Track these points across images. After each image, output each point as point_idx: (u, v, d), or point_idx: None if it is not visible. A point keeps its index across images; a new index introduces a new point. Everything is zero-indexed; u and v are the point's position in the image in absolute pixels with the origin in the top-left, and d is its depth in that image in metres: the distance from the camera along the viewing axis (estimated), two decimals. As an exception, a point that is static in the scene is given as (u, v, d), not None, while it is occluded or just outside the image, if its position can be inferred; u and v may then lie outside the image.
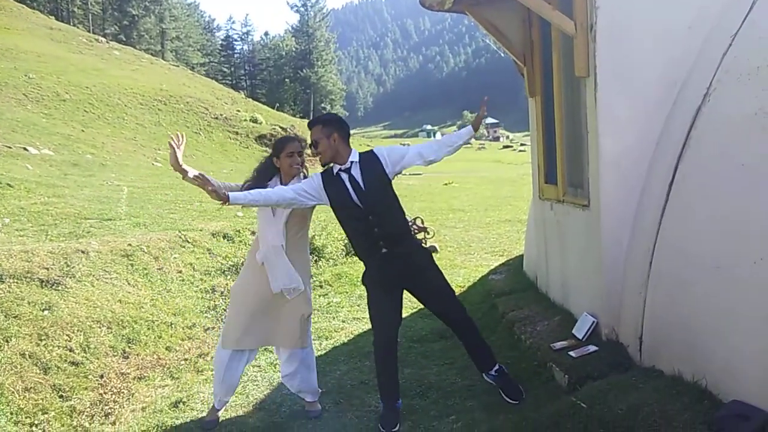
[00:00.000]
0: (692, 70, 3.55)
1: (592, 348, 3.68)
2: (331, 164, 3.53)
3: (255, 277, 3.72)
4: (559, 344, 3.86)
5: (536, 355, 3.98)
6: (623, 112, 3.60)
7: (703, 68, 3.44)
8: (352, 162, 3.51)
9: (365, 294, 6.68)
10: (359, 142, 60.47)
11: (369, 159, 3.54)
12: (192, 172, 3.39)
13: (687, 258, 3.12)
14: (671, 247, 3.25)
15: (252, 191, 3.40)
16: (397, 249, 3.57)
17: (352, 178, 3.48)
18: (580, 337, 3.84)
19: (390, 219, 3.58)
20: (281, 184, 3.66)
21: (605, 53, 3.56)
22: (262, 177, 3.69)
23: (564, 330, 4.10)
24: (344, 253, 8.65)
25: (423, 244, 3.65)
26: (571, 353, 3.69)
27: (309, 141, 3.60)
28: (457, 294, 6.31)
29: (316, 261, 8.12)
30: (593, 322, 3.83)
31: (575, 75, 3.78)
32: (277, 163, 3.70)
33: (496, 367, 3.71)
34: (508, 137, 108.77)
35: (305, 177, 3.74)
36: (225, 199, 3.21)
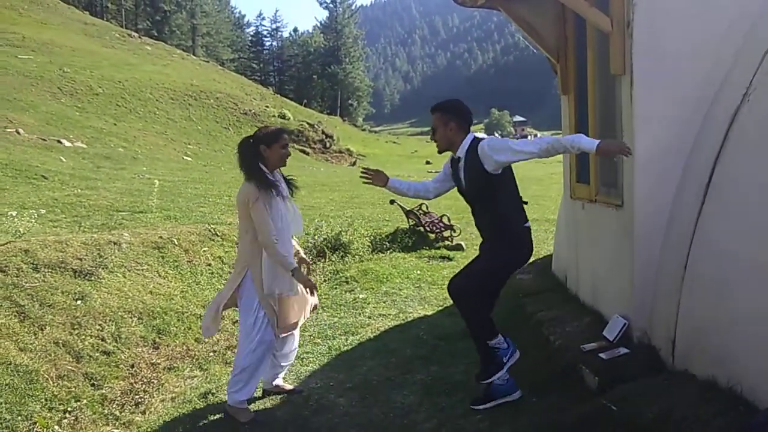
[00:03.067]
0: (732, 69, 3.46)
1: (623, 350, 3.62)
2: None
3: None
4: (589, 346, 3.81)
5: (565, 356, 3.93)
6: (659, 111, 3.54)
7: (744, 67, 3.36)
8: (459, 156, 3.53)
9: (391, 290, 6.75)
10: (385, 138, 60.60)
11: (473, 153, 3.46)
12: None
13: (724, 260, 3.05)
14: (708, 249, 3.18)
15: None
16: (485, 241, 3.67)
17: (460, 170, 3.54)
18: (611, 339, 3.79)
19: (482, 214, 3.63)
20: (268, 172, 3.67)
21: (642, 51, 3.50)
22: (255, 165, 3.65)
23: (594, 331, 4.04)
24: (370, 249, 8.67)
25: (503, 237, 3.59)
26: (602, 355, 3.64)
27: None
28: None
29: (342, 257, 8.15)
30: (625, 324, 3.77)
31: (610, 72, 3.73)
32: (265, 151, 3.67)
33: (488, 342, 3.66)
34: (535, 135, 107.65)
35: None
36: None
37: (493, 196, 3.49)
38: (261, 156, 3.66)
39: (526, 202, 3.66)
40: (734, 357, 2.85)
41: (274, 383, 4.15)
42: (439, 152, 3.65)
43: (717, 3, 3.48)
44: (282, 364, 4.11)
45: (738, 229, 2.99)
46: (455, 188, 3.75)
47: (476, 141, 3.47)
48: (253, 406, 3.98)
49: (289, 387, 4.19)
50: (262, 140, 3.69)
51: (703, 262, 3.20)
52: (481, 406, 3.62)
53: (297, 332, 4.06)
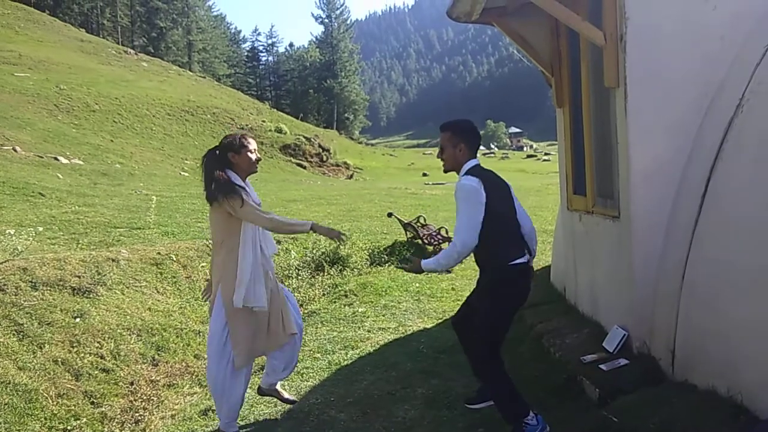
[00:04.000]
0: (725, 81, 3.50)
1: (623, 361, 3.63)
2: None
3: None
4: (589, 357, 3.82)
5: (566, 367, 3.93)
6: (654, 123, 3.57)
7: (736, 79, 3.40)
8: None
9: (390, 303, 6.75)
10: (382, 151, 60.74)
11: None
12: None
13: (722, 270, 3.06)
14: (705, 259, 3.20)
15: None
16: (480, 276, 3.57)
17: None
18: (611, 350, 3.79)
19: (476, 248, 3.43)
20: (238, 178, 3.60)
21: (635, 64, 3.54)
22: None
23: (594, 343, 4.05)
24: (369, 262, 8.67)
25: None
26: (602, 366, 3.64)
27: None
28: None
29: (341, 271, 8.15)
30: (624, 335, 3.78)
31: (605, 85, 3.76)
32: (234, 158, 3.58)
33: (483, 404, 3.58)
34: (531, 146, 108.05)
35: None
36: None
37: (482, 232, 3.25)
38: (230, 164, 3.58)
39: (531, 253, 3.47)
40: (734, 366, 2.86)
41: (271, 385, 4.04)
42: (445, 172, 3.50)
43: (710, 16, 3.52)
44: (279, 376, 4.01)
45: (735, 238, 3.01)
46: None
47: (471, 170, 3.32)
48: (253, 419, 3.96)
49: (286, 395, 4.08)
50: (229, 148, 3.61)
51: (701, 272, 3.21)
52: None
53: (294, 344, 3.90)
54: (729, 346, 2.92)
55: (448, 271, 8.33)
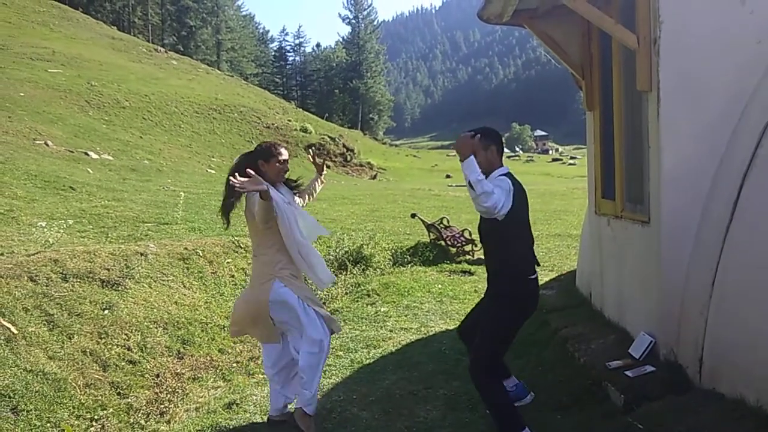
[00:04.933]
0: (759, 86, 3.44)
1: (650, 368, 3.58)
2: None
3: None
4: (614, 363, 3.77)
5: (590, 373, 3.89)
6: (686, 128, 3.52)
7: (772, 83, 3.34)
8: None
9: (413, 304, 6.75)
10: (406, 152, 60.74)
11: None
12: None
13: (753, 278, 3.02)
14: (736, 267, 3.15)
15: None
16: (489, 285, 3.60)
17: None
18: (637, 357, 3.75)
19: (488, 256, 3.57)
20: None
21: (669, 67, 3.49)
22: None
23: (619, 349, 4.00)
24: (392, 263, 8.68)
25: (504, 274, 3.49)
26: (628, 373, 3.60)
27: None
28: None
29: (363, 270, 8.18)
30: (651, 341, 3.73)
31: (637, 89, 3.72)
32: (263, 166, 3.63)
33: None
34: (557, 150, 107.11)
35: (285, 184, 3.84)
36: None
37: (499, 240, 3.40)
38: (259, 171, 3.57)
39: (538, 263, 3.56)
40: (764, 375, 2.81)
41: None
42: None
43: (747, 20, 3.47)
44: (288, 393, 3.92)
45: (765, 247, 2.96)
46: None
47: (505, 174, 3.37)
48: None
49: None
50: (259, 155, 3.67)
51: (731, 279, 3.16)
52: None
53: (290, 350, 3.82)
54: (759, 354, 2.87)
55: (471, 273, 8.30)
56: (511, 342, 3.57)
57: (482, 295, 3.84)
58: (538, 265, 3.56)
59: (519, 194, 3.32)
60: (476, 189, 3.09)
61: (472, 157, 3.18)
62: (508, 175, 3.39)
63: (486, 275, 3.65)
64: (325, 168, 4.24)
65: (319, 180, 4.24)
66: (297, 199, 3.98)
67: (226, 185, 3.57)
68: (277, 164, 3.67)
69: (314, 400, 3.68)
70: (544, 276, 7.86)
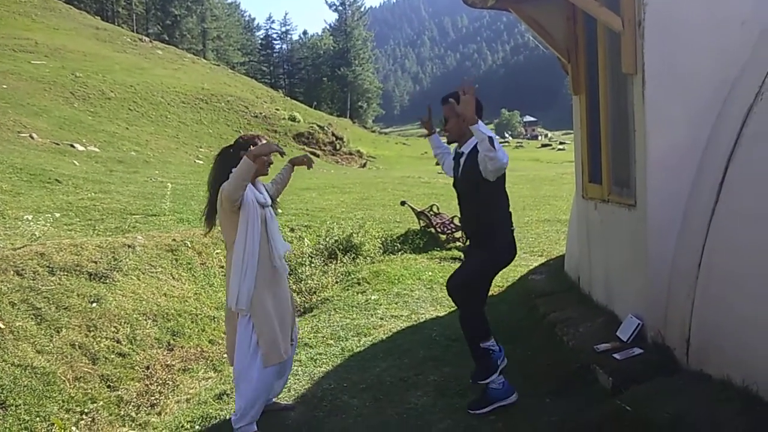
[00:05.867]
0: (745, 68, 3.45)
1: (637, 350, 3.61)
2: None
3: (267, 286, 3.52)
4: (602, 346, 3.80)
5: (579, 356, 3.92)
6: (672, 110, 3.53)
7: (757, 66, 3.34)
8: (464, 151, 3.53)
9: (403, 291, 6.76)
10: (395, 139, 60.62)
11: (475, 153, 3.38)
12: None
13: (738, 259, 3.04)
14: (722, 249, 3.17)
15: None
16: (471, 243, 3.80)
17: (459, 165, 3.57)
18: (625, 340, 3.78)
19: (468, 214, 3.72)
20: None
21: (654, 50, 3.49)
22: (226, 174, 3.42)
23: (608, 332, 4.03)
24: (382, 251, 8.68)
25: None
26: (616, 355, 3.63)
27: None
28: (496, 294, 6.32)
29: (353, 258, 8.18)
30: (638, 324, 3.76)
31: (622, 72, 3.72)
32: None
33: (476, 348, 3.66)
34: (546, 135, 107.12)
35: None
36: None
37: (484, 200, 3.49)
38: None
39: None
40: (749, 356, 2.84)
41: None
42: (449, 143, 3.69)
43: (729, 3, 3.47)
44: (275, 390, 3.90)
45: (752, 228, 2.98)
46: None
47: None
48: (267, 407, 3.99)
49: (283, 404, 3.98)
50: (242, 147, 3.55)
51: (717, 261, 3.18)
52: (479, 411, 3.61)
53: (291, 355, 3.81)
54: (744, 336, 2.90)
55: (461, 260, 8.31)
56: (488, 286, 3.74)
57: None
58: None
59: None
60: (496, 146, 3.14)
61: (480, 123, 3.21)
62: None
63: (467, 234, 3.83)
64: (304, 160, 4.02)
65: (291, 170, 4.07)
66: (273, 188, 3.93)
67: (210, 185, 3.51)
68: (263, 156, 3.55)
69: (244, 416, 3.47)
70: (533, 261, 7.90)
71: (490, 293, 4.41)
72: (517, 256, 3.77)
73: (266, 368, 3.44)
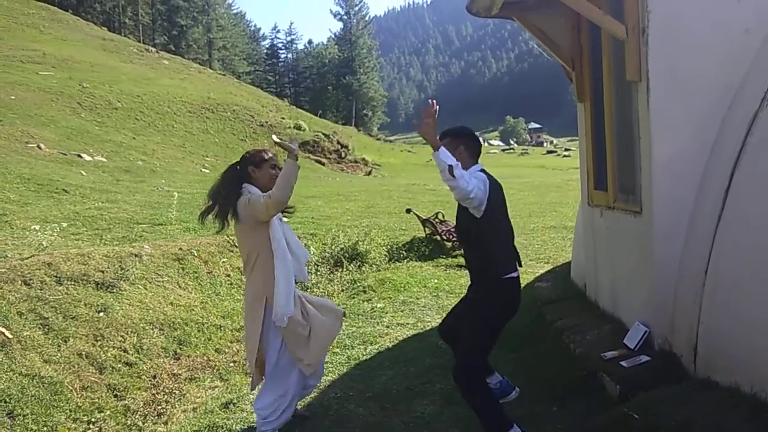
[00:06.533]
0: (749, 74, 3.45)
1: (645, 358, 3.60)
2: None
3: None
4: (609, 354, 3.79)
5: (586, 364, 3.91)
6: (677, 117, 3.53)
7: (761, 72, 3.34)
8: None
9: (409, 299, 6.76)
10: (400, 147, 60.66)
11: None
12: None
13: (745, 266, 3.02)
14: (728, 255, 3.16)
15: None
16: (472, 283, 3.57)
17: None
18: (632, 347, 3.76)
19: (468, 254, 3.53)
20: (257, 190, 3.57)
21: (658, 57, 3.50)
22: (236, 187, 3.53)
23: (614, 339, 4.02)
24: (387, 258, 8.68)
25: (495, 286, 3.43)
26: (623, 363, 3.61)
27: None
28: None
29: (359, 266, 8.18)
30: (645, 331, 3.75)
31: (626, 79, 3.72)
32: (254, 173, 3.56)
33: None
34: (551, 142, 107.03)
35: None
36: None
37: (478, 237, 3.32)
38: (250, 177, 3.56)
39: (520, 264, 3.45)
40: (757, 363, 2.82)
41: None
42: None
43: (735, 9, 3.47)
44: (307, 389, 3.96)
45: (759, 233, 2.96)
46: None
47: (481, 173, 3.31)
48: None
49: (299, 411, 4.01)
50: (249, 161, 3.59)
51: (724, 268, 3.17)
52: None
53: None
54: (752, 342, 2.88)
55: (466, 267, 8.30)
56: (495, 342, 3.48)
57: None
58: (520, 265, 3.47)
59: (495, 189, 3.26)
60: (455, 174, 3.00)
61: (442, 150, 3.10)
62: (483, 171, 3.34)
63: (469, 273, 3.61)
64: (290, 147, 3.57)
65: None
66: None
67: (211, 196, 3.54)
68: (270, 170, 3.59)
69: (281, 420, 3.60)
70: (539, 268, 7.87)
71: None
72: (522, 263, 3.63)
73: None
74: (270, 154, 3.67)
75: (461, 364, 3.30)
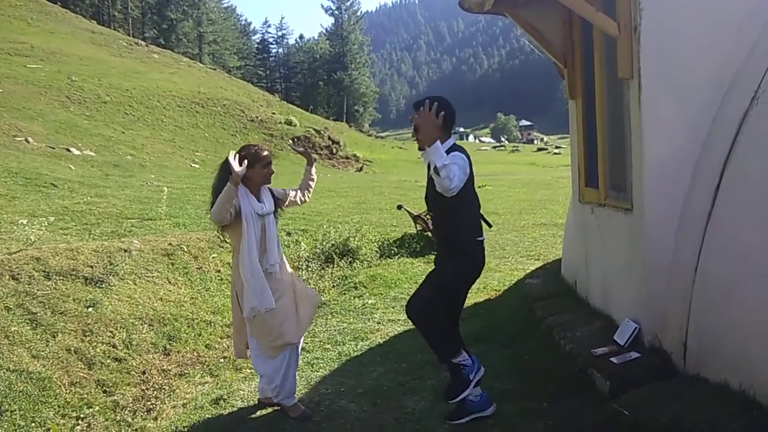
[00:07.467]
0: (740, 73, 3.46)
1: (635, 354, 3.61)
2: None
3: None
4: (600, 350, 3.80)
5: (576, 360, 3.92)
6: (668, 114, 3.54)
7: (752, 71, 3.36)
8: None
9: (400, 295, 6.75)
10: (392, 143, 60.64)
11: None
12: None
13: (735, 263, 3.04)
14: (718, 252, 3.18)
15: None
16: (440, 249, 3.72)
17: (429, 173, 3.38)
18: (622, 344, 3.78)
19: (438, 224, 3.67)
20: (251, 193, 3.65)
21: (650, 54, 3.50)
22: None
23: (605, 336, 4.03)
24: (378, 255, 8.67)
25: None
26: (613, 359, 3.62)
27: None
28: (493, 298, 6.33)
29: (350, 263, 8.17)
30: (635, 328, 3.76)
31: (618, 76, 3.73)
32: (249, 171, 3.55)
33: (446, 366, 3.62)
34: (542, 139, 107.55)
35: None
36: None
37: (450, 209, 3.39)
38: (245, 177, 3.54)
39: (489, 225, 3.66)
40: (747, 360, 2.84)
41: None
42: (420, 149, 3.37)
43: (727, 7, 3.48)
44: None
45: (749, 230, 2.99)
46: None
47: (454, 147, 3.38)
48: (264, 412, 3.99)
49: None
50: (243, 158, 3.56)
51: (714, 265, 3.19)
52: (457, 421, 3.56)
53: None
54: (742, 339, 2.90)
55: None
56: (458, 299, 3.63)
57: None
58: (489, 226, 3.66)
59: (470, 164, 3.38)
60: (441, 174, 3.06)
61: (438, 142, 3.12)
62: (456, 146, 3.41)
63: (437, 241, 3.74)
64: (311, 155, 4.24)
65: (311, 171, 4.19)
66: (295, 193, 4.05)
67: (219, 183, 3.56)
68: (264, 168, 3.66)
69: (284, 392, 3.84)
70: (530, 265, 7.89)
71: (487, 297, 4.42)
72: (513, 259, 3.74)
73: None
74: (266, 152, 3.72)
75: (421, 302, 3.48)
